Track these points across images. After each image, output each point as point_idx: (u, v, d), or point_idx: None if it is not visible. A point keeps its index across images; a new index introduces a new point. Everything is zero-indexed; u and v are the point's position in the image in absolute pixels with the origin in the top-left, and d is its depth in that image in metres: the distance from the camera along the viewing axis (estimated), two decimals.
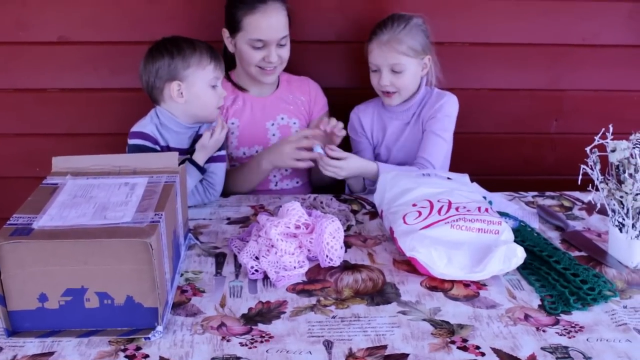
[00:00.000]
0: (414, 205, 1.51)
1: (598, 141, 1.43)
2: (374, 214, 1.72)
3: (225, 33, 1.98)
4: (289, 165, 1.87)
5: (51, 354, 1.13)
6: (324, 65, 2.19)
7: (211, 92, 1.74)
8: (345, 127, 1.93)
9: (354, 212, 1.75)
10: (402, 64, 1.92)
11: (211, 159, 1.80)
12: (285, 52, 1.96)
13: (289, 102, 2.07)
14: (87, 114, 2.24)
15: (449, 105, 2.00)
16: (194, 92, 1.72)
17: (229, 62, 2.01)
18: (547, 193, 1.88)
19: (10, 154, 2.28)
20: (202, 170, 1.75)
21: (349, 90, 2.12)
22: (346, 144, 2.03)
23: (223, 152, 1.83)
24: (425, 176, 1.67)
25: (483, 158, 2.18)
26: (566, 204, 1.81)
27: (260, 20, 1.88)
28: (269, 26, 1.89)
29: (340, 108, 2.11)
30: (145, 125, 1.74)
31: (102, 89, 2.21)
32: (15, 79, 2.19)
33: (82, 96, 2.22)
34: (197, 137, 1.78)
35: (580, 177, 1.45)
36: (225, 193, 1.87)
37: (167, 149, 1.75)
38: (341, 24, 2.16)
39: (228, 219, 1.70)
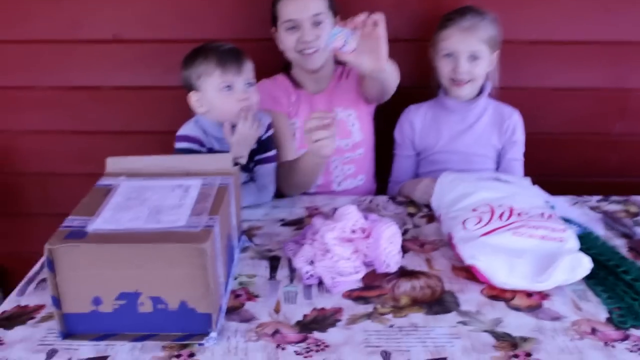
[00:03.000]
0: (474, 210, 1.47)
1: None
2: (432, 217, 1.68)
3: (273, 30, 1.96)
4: (316, 152, 1.67)
5: (105, 358, 1.12)
6: None
7: (224, 97, 1.67)
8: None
9: (411, 215, 1.71)
10: (482, 50, 1.88)
11: (259, 161, 1.78)
12: (324, 33, 1.88)
13: (344, 91, 2.02)
14: (141, 111, 2.25)
15: (521, 128, 1.99)
16: (208, 100, 1.69)
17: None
18: (612, 197, 1.80)
19: (66, 151, 2.31)
20: (245, 169, 1.73)
21: (405, 89, 2.07)
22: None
23: (271, 153, 1.81)
24: (485, 179, 1.62)
25: (543, 159, 2.12)
26: (632, 209, 1.73)
27: (289, 2, 1.88)
28: (297, 4, 1.87)
29: (396, 107, 2.06)
30: (190, 128, 1.72)
31: (155, 86, 2.21)
32: (71, 76, 2.21)
33: (135, 94, 2.22)
34: None
35: None
36: (281, 194, 1.86)
37: (213, 151, 1.73)
38: (398, 22, 2.11)
39: (282, 220, 1.68)
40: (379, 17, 1.57)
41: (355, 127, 2.01)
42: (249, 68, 1.71)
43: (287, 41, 1.91)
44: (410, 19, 2.13)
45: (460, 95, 1.95)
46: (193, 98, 1.71)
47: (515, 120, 1.98)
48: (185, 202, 1.25)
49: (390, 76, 1.79)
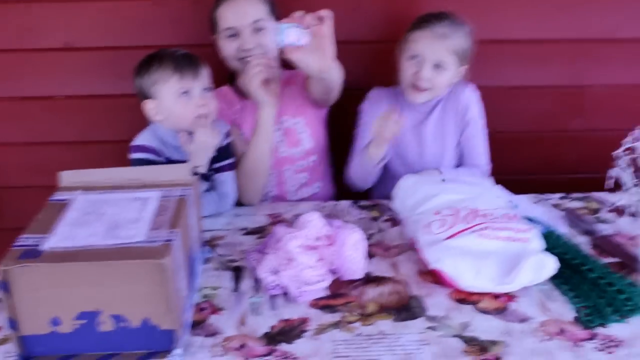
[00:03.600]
0: (437, 213, 1.46)
1: (629, 143, 1.37)
2: (396, 220, 1.67)
3: (213, 38, 1.92)
4: (256, 90, 1.76)
5: None
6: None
7: (181, 103, 1.65)
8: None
9: (375, 219, 1.70)
10: (449, 61, 1.84)
11: (219, 169, 1.76)
12: (265, 39, 1.85)
13: (290, 98, 1.97)
14: (95, 121, 2.20)
15: (476, 102, 1.94)
16: (165, 108, 1.66)
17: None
18: (573, 195, 1.82)
19: (18, 163, 2.25)
20: (205, 178, 1.71)
21: (360, 92, 2.05)
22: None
23: (231, 160, 1.79)
24: (447, 181, 1.61)
25: (504, 158, 2.11)
26: (593, 206, 1.75)
27: (227, 7, 1.85)
28: (236, 11, 1.83)
29: (350, 109, 2.04)
30: (146, 137, 1.69)
31: (109, 95, 2.17)
32: (21, 86, 2.15)
33: (89, 103, 2.18)
34: None
35: (612, 180, 1.39)
36: (240, 202, 1.84)
37: (171, 162, 1.69)
38: (352, 24, 2.11)
39: (244, 229, 1.65)
40: (326, 14, 1.55)
41: (305, 135, 1.97)
42: (205, 73, 1.70)
43: (227, 49, 1.87)
44: (366, 20, 2.12)
45: (415, 100, 1.90)
46: (148, 106, 1.68)
47: (468, 97, 1.93)
48: (144, 216, 1.22)
49: (333, 76, 1.76)
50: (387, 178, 1.92)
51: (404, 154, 1.96)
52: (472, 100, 1.94)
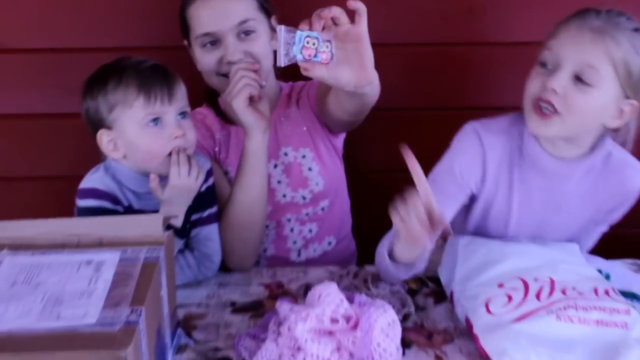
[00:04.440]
0: (501, 285, 1.46)
1: None
2: (441, 295, 1.66)
3: (185, 44, 1.92)
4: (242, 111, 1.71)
5: None
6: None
7: (150, 134, 1.62)
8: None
9: (412, 292, 1.69)
10: (600, 74, 1.56)
11: (198, 222, 1.74)
12: (257, 46, 1.84)
13: (293, 125, 1.99)
14: (29, 149, 2.21)
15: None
16: (127, 141, 1.63)
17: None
18: None
19: None
20: (179, 233, 1.68)
21: (391, 112, 2.06)
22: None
23: (213, 209, 1.78)
24: (514, 242, 1.60)
25: None
26: None
27: (202, 6, 1.83)
28: (215, 11, 1.81)
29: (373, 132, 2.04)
30: (99, 178, 1.66)
31: (49, 114, 2.19)
32: None
33: (21, 124, 2.20)
34: None
35: None
36: (226, 265, 1.82)
37: (132, 211, 1.68)
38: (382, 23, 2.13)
39: (233, 304, 1.65)
40: (359, 7, 1.48)
41: (313, 172, 1.97)
42: (181, 93, 1.67)
43: (204, 62, 1.86)
44: (400, 18, 2.15)
45: (539, 131, 1.65)
46: (104, 139, 1.65)
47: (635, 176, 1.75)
48: (97, 287, 1.20)
49: (374, 89, 1.69)
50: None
51: (503, 217, 1.79)
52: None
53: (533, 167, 1.69)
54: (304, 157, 1.97)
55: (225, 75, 1.81)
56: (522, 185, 1.71)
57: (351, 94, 1.65)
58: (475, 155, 1.72)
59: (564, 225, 1.74)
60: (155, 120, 1.62)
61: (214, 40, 1.83)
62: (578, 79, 1.55)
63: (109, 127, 1.64)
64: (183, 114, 1.66)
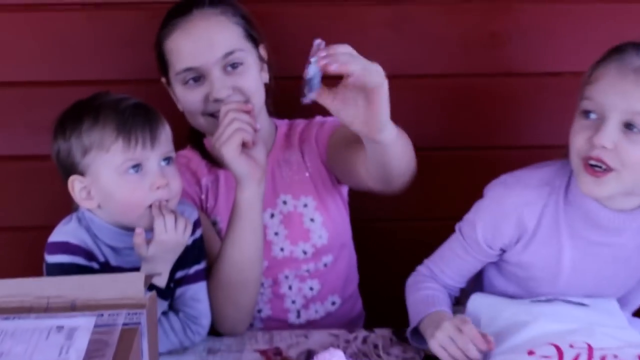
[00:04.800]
0: (532, 353, 1.45)
1: None
2: None
3: (163, 81, 1.93)
4: (233, 161, 1.69)
5: None
6: None
7: (127, 184, 1.62)
8: None
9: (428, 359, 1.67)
10: None
11: (184, 280, 1.73)
12: (246, 80, 1.83)
13: (293, 170, 1.98)
14: None
15: None
16: (103, 189, 1.63)
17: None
18: None
19: None
20: (163, 293, 1.67)
21: None
22: None
23: (201, 266, 1.77)
24: (544, 302, 1.61)
25: None
26: None
27: (180, 38, 1.82)
28: (195, 43, 1.81)
29: None
30: (71, 231, 1.66)
31: (15, 156, 2.20)
32: None
33: None
34: None
35: None
36: (215, 329, 1.82)
37: (108, 268, 1.67)
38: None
39: None
40: (342, 55, 1.42)
41: (316, 223, 1.96)
42: (166, 136, 1.66)
43: (188, 101, 1.85)
44: (412, 47, 2.16)
45: (592, 192, 1.63)
46: (76, 185, 1.64)
47: None
48: (69, 358, 1.19)
49: (397, 148, 1.60)
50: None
51: (550, 277, 1.76)
52: None
53: (585, 222, 1.67)
54: (305, 206, 1.96)
55: (213, 115, 1.81)
56: (573, 240, 1.69)
57: (370, 147, 1.60)
58: (504, 215, 1.71)
59: (621, 281, 1.73)
60: (136, 167, 1.61)
61: (198, 76, 1.82)
62: (628, 127, 1.54)
63: (81, 173, 1.63)
64: (167, 160, 1.66)
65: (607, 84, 1.58)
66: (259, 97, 1.85)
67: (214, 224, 1.93)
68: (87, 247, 1.65)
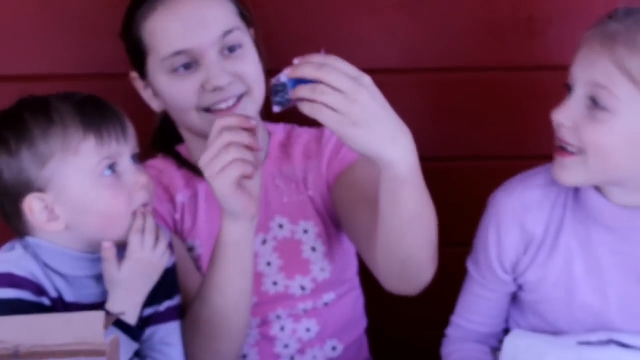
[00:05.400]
0: None
1: None
2: None
3: (133, 76, 1.92)
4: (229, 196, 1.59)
5: None
6: None
7: (107, 189, 1.61)
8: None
9: None
10: (614, 94, 1.59)
11: (155, 318, 1.73)
12: (248, 65, 1.83)
13: (292, 189, 1.98)
14: None
15: None
16: (72, 204, 1.61)
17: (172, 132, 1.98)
18: None
19: None
20: (133, 333, 1.66)
21: None
22: None
23: (175, 302, 1.76)
24: (596, 344, 1.62)
25: None
26: None
27: (166, 17, 1.79)
28: (184, 22, 1.78)
29: None
30: (14, 261, 1.64)
31: None
32: None
33: None
34: None
35: None
36: None
37: (62, 305, 1.65)
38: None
39: None
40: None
41: (317, 254, 1.96)
42: (132, 129, 1.65)
43: (177, 95, 1.83)
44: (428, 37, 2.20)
45: (560, 177, 1.70)
46: (36, 207, 1.61)
47: None
48: None
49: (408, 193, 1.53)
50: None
51: (567, 289, 1.78)
52: None
53: (594, 222, 1.72)
54: (305, 232, 1.96)
55: (210, 110, 1.80)
56: (582, 247, 1.74)
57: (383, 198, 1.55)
58: (505, 224, 1.77)
59: None
60: (111, 167, 1.61)
61: (189, 62, 1.79)
62: (594, 102, 1.60)
63: (40, 190, 1.61)
64: (135, 157, 1.66)
65: (578, 55, 1.67)
66: (260, 90, 1.83)
67: (191, 249, 1.92)
68: (36, 280, 1.63)
